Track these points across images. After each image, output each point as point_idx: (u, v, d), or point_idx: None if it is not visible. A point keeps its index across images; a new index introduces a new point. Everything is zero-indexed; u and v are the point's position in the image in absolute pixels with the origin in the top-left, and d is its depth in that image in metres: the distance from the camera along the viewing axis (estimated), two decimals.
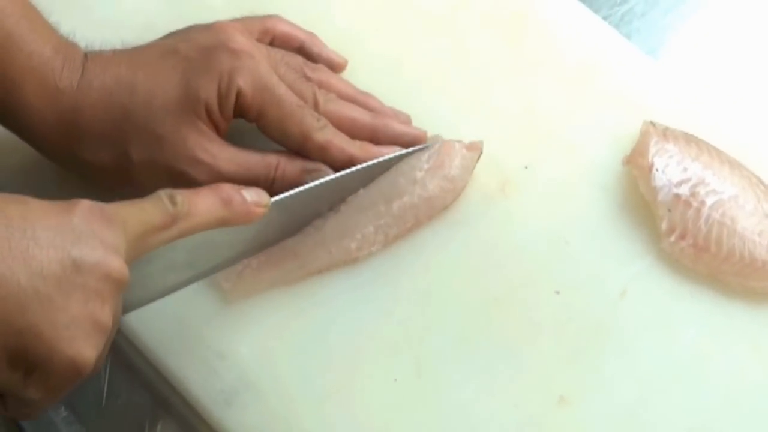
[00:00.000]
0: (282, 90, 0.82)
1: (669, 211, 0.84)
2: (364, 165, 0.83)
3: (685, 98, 0.92)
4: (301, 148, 0.83)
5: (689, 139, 0.87)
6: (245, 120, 0.83)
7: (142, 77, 0.80)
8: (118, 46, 0.83)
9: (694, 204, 0.84)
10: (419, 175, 0.85)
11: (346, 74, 0.91)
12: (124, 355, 0.82)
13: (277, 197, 0.78)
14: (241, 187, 0.74)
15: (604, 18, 0.98)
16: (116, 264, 0.65)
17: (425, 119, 0.89)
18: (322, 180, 0.81)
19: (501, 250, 0.85)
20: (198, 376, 0.79)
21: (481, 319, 0.82)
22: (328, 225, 0.84)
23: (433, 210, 0.85)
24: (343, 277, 0.83)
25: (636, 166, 0.86)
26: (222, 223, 0.73)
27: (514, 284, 0.83)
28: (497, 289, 0.83)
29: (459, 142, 0.86)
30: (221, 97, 0.80)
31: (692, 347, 0.81)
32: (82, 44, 0.82)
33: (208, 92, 0.80)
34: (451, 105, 0.90)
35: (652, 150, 0.86)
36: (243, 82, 0.80)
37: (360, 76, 0.91)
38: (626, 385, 0.80)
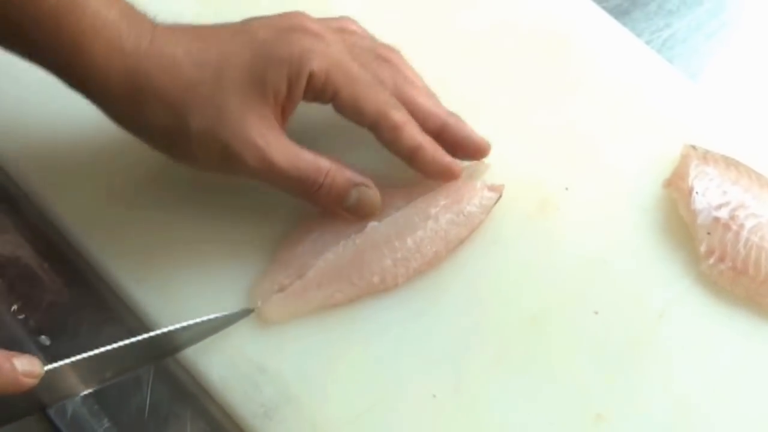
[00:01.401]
0: (356, 68, 0.82)
1: (708, 233, 0.84)
2: (160, 332, 0.80)
3: (726, 122, 0.92)
4: (375, 126, 0.82)
5: (729, 163, 0.87)
6: (319, 102, 0.82)
7: (213, 53, 0.80)
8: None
9: (734, 227, 0.84)
10: (433, 211, 0.85)
11: None
12: (167, 368, 0.82)
13: (53, 365, 0.75)
14: (12, 354, 0.73)
15: (647, 42, 0.98)
16: None
17: None
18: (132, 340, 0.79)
19: (540, 269, 0.85)
20: (239, 390, 0.80)
21: (520, 338, 0.82)
22: (345, 257, 0.84)
23: (450, 243, 0.85)
24: (383, 296, 0.84)
25: (676, 188, 0.86)
26: None
27: (553, 304, 0.83)
28: (536, 309, 0.83)
29: (482, 182, 0.87)
30: (291, 81, 0.80)
31: (729, 369, 0.81)
32: None
33: (277, 76, 0.80)
34: (492, 125, 0.89)
35: (692, 173, 0.86)
36: (316, 65, 0.80)
37: None
38: (663, 405, 0.80)
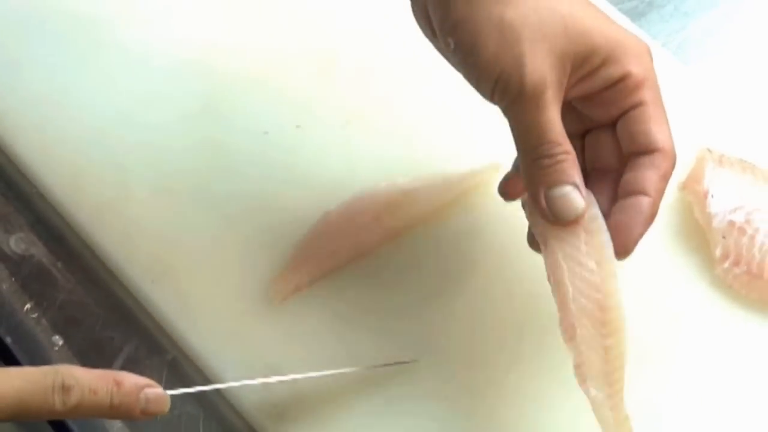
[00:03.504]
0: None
1: (723, 237, 0.83)
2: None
3: (742, 125, 0.92)
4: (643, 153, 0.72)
5: (745, 166, 0.87)
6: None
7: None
8: (180, 63, 0.82)
9: (749, 231, 0.83)
10: None
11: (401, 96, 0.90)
12: (179, 368, 0.82)
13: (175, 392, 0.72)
14: (145, 383, 0.69)
15: (663, 45, 0.98)
16: None
17: (481, 142, 0.89)
18: None
19: None
20: (251, 389, 0.79)
21: (532, 342, 0.82)
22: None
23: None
24: (397, 296, 0.83)
25: (691, 191, 0.86)
26: (99, 417, 0.70)
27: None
28: (548, 314, 0.80)
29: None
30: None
31: (744, 373, 0.81)
32: (143, 59, 0.82)
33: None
34: (502, 128, 0.84)
35: (708, 176, 0.86)
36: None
37: (418, 99, 0.91)
38: (678, 409, 0.79)
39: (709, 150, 0.87)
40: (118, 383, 0.67)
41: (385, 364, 0.80)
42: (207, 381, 0.81)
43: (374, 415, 0.79)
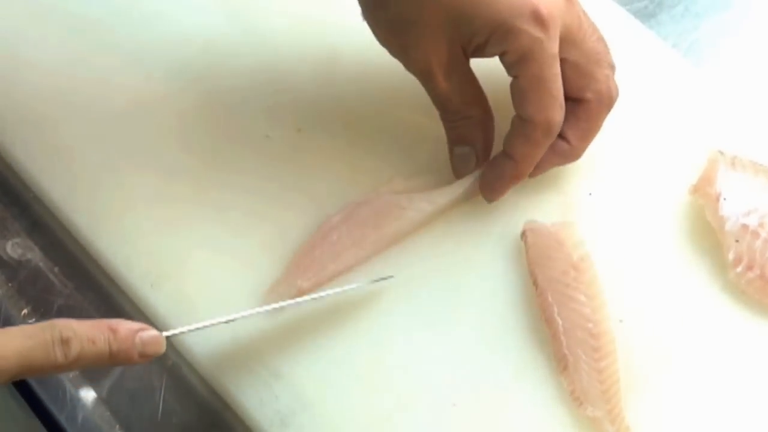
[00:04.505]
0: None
1: (736, 241, 0.83)
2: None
3: (754, 126, 0.92)
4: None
5: (758, 168, 0.86)
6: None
7: None
8: (180, 65, 0.82)
9: (762, 234, 0.83)
10: None
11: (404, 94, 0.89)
12: (180, 374, 0.82)
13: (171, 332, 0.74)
14: (139, 327, 0.71)
15: (673, 46, 0.98)
16: None
17: None
18: None
19: None
20: (254, 396, 0.79)
21: (542, 346, 0.81)
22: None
23: None
24: (403, 302, 0.83)
25: (703, 194, 0.85)
26: (101, 366, 0.72)
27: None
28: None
29: None
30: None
31: (758, 379, 0.80)
32: (142, 60, 0.81)
33: None
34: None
35: (720, 179, 0.85)
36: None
37: (422, 96, 0.88)
38: (690, 416, 0.79)
39: (721, 152, 0.87)
40: (113, 330, 0.69)
41: (373, 281, 0.82)
42: (209, 388, 0.81)
43: (381, 421, 0.79)
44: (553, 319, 0.80)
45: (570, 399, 0.78)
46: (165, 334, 0.72)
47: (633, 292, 0.83)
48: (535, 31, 0.78)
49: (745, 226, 0.83)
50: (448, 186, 0.86)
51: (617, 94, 0.84)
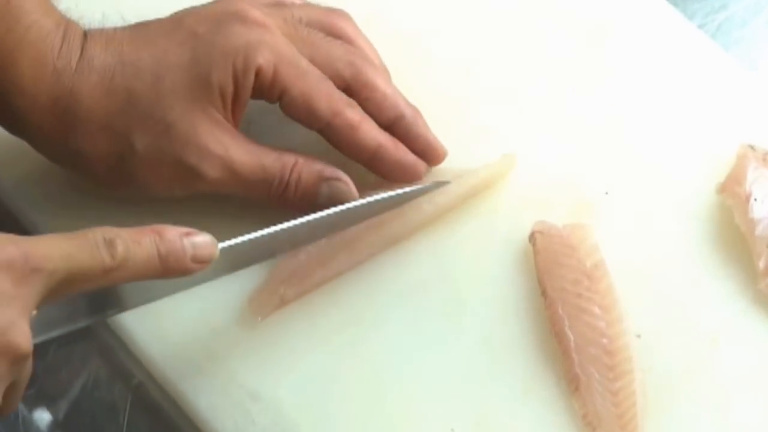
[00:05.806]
0: (304, 63, 0.78)
1: None
2: (362, 202, 0.80)
3: None
4: (328, 127, 0.79)
5: None
6: (266, 100, 0.79)
7: (147, 57, 0.76)
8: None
9: None
10: None
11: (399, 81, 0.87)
12: (145, 392, 0.79)
13: (227, 243, 0.72)
14: (187, 231, 0.69)
15: (700, 27, 0.96)
16: (18, 338, 0.60)
17: (494, 133, 0.86)
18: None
19: None
20: (229, 420, 0.76)
21: (551, 364, 0.78)
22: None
23: None
24: (398, 312, 0.80)
25: (731, 194, 0.82)
26: (157, 276, 0.68)
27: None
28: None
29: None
30: (237, 78, 0.77)
31: None
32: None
33: (222, 73, 0.76)
34: (524, 118, 0.87)
35: (750, 177, 0.82)
36: (263, 59, 0.76)
37: (419, 83, 0.87)
38: None
39: (751, 147, 0.85)
40: (158, 232, 0.67)
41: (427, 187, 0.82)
42: (177, 409, 0.77)
43: None
44: (564, 333, 0.77)
45: (582, 423, 0.75)
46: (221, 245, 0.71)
47: (652, 304, 0.80)
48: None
49: None
50: (448, 185, 0.84)
51: None
